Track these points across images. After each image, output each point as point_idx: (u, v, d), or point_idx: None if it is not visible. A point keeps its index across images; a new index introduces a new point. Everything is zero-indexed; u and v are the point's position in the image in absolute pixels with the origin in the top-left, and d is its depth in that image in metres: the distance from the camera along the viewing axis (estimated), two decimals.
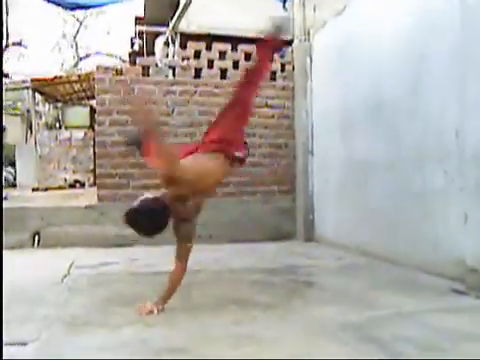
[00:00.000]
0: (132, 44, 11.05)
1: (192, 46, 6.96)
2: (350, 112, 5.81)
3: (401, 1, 4.83)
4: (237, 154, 3.58)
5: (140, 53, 8.55)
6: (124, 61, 16.28)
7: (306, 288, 4.09)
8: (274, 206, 6.98)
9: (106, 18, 29.18)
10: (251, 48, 7.07)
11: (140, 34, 9.39)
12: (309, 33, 6.95)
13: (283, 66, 7.22)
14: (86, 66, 21.07)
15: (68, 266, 4.91)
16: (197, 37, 7.16)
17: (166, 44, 8.25)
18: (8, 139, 13.80)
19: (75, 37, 24.76)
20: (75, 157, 12.54)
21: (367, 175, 5.41)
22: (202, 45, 6.98)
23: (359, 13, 5.60)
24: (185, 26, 7.39)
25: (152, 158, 3.49)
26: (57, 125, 14.53)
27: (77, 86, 12.36)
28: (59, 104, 14.30)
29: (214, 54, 6.99)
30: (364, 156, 5.46)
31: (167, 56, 7.90)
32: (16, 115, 14.94)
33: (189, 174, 3.16)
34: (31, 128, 13.27)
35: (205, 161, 3.40)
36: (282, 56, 7.22)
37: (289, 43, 7.26)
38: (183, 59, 6.91)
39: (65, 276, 4.48)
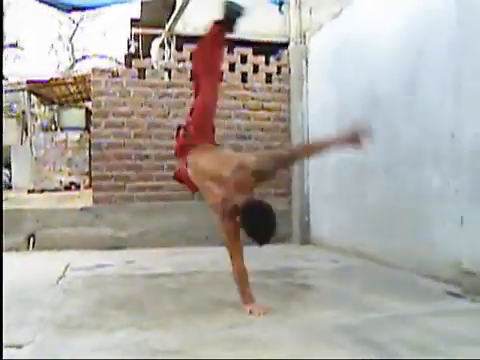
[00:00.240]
0: (128, 46, 11.04)
1: (188, 48, 6.96)
2: (346, 115, 5.81)
3: (399, 2, 4.83)
4: None
5: (136, 55, 8.54)
6: (120, 63, 16.27)
7: (302, 291, 4.09)
8: None
9: (102, 20, 29.18)
10: (247, 50, 7.09)
11: (136, 36, 9.38)
12: (305, 36, 6.97)
13: (279, 69, 7.23)
14: (82, 68, 21.05)
15: (63, 268, 4.90)
16: (193, 39, 7.13)
17: (162, 46, 8.23)
18: (3, 141, 13.74)
19: (71, 39, 24.71)
20: (71, 159, 12.49)
21: (363, 178, 5.42)
22: None
23: (357, 15, 5.60)
24: (181, 28, 7.37)
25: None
26: (53, 127, 14.49)
27: (73, 88, 12.34)
28: (55, 106, 14.27)
29: None
30: (360, 158, 5.45)
31: (163, 58, 7.88)
32: (12, 117, 14.89)
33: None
34: (27, 130, 13.23)
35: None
36: (278, 59, 7.23)
37: (285, 46, 7.27)
38: (179, 61, 6.90)
39: (60, 278, 4.47)
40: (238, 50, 7.08)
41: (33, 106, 14.37)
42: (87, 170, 11.70)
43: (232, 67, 7.04)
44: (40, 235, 6.33)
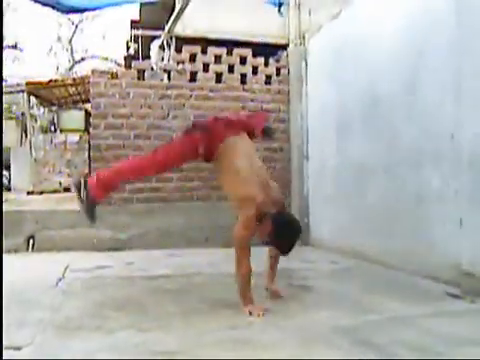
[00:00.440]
0: (127, 48, 11.03)
1: (187, 50, 6.97)
2: (345, 116, 5.82)
3: (398, 3, 4.84)
4: None
5: (135, 57, 8.54)
6: (119, 65, 16.27)
7: (302, 292, 4.09)
8: None
9: (102, 21, 29.21)
10: (246, 52, 7.09)
11: (135, 38, 9.38)
12: (304, 37, 6.97)
13: (278, 70, 7.23)
14: (81, 70, 21.05)
15: (63, 270, 4.89)
16: (192, 41, 7.15)
17: (161, 48, 8.23)
18: (3, 142, 13.74)
19: (70, 40, 24.71)
20: (70, 160, 12.50)
21: (362, 179, 5.42)
22: (197, 49, 6.98)
23: (356, 16, 5.61)
24: (180, 30, 7.38)
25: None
26: (52, 128, 14.49)
27: (72, 89, 12.32)
28: (54, 107, 14.26)
29: (209, 58, 7.00)
30: (359, 159, 5.47)
31: (162, 60, 7.88)
32: (11, 118, 14.89)
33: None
34: (26, 131, 13.23)
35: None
36: (277, 60, 7.23)
37: (285, 47, 7.28)
38: (178, 63, 6.91)
39: (60, 280, 4.46)
40: (237, 51, 7.08)
41: (32, 108, 14.37)
42: (87, 171, 11.70)
43: (231, 68, 7.04)
44: (39, 236, 6.32)
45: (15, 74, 16.21)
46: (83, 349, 2.62)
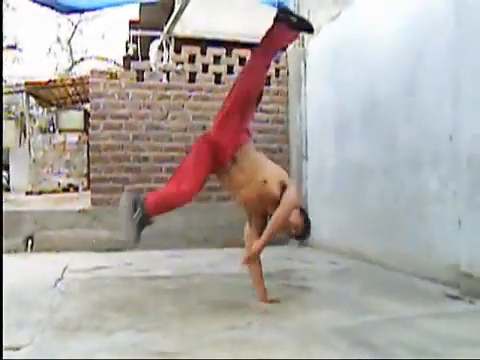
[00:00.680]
0: (126, 48, 11.04)
1: (186, 50, 6.97)
2: (344, 116, 5.83)
3: (398, 3, 4.85)
4: None
5: (134, 57, 8.55)
6: (118, 65, 16.27)
7: (300, 293, 4.09)
8: None
9: (101, 22, 29.24)
10: (245, 53, 7.09)
11: (134, 38, 9.39)
12: (303, 38, 6.98)
13: (278, 71, 7.24)
14: (80, 70, 21.06)
15: (61, 270, 4.89)
16: (192, 41, 7.16)
17: (160, 48, 8.24)
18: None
19: (70, 41, 24.71)
20: (69, 161, 12.49)
21: (361, 179, 5.42)
22: (197, 49, 6.99)
23: (355, 17, 5.61)
24: (180, 30, 7.39)
25: None
26: (51, 129, 14.50)
27: (71, 90, 12.34)
28: (53, 108, 14.27)
29: (209, 58, 7.00)
30: (358, 160, 5.47)
31: (162, 60, 7.90)
32: (10, 119, 14.89)
33: None
34: (25, 132, 13.23)
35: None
36: (276, 61, 7.24)
37: (283, 48, 7.28)
38: (177, 63, 6.91)
39: (58, 280, 4.46)
40: (236, 52, 7.09)
41: (31, 108, 14.37)
42: (85, 172, 11.71)
43: (230, 69, 7.05)
44: (38, 237, 6.32)
45: (14, 74, 16.22)
46: (82, 349, 2.61)
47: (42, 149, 12.60)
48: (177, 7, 7.14)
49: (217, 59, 7.05)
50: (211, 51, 7.03)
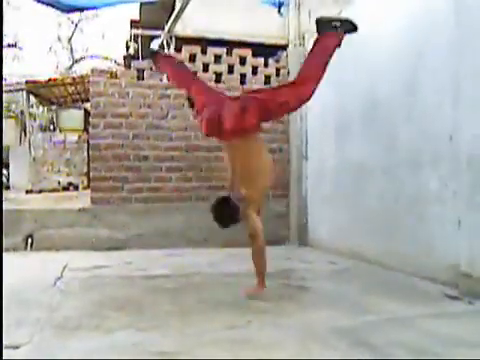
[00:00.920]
0: (127, 47, 11.03)
1: (187, 50, 6.97)
2: (345, 116, 5.83)
3: (399, 3, 4.84)
4: None
5: (135, 56, 8.54)
6: (119, 64, 16.26)
7: (300, 293, 4.09)
8: (268, 210, 6.94)
9: (101, 21, 29.22)
10: (246, 52, 7.09)
11: (135, 37, 9.38)
12: (304, 38, 6.97)
13: (278, 70, 7.24)
14: (81, 69, 21.05)
15: (61, 269, 4.90)
16: (192, 41, 7.15)
17: (161, 48, 8.23)
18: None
19: (70, 40, 24.69)
20: (69, 160, 12.50)
21: (361, 179, 5.42)
22: (197, 49, 6.99)
23: (356, 17, 5.59)
24: (180, 29, 7.37)
25: None
26: (51, 127, 14.49)
27: (72, 89, 12.32)
28: (53, 106, 14.26)
29: (209, 58, 7.00)
30: (358, 160, 5.47)
31: None
32: (10, 117, 14.88)
33: None
34: (25, 130, 13.22)
35: None
36: (277, 60, 7.24)
37: (284, 47, 7.28)
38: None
39: (58, 279, 4.46)
40: (237, 52, 7.08)
41: (32, 106, 14.37)
42: (85, 171, 11.71)
43: (231, 69, 7.05)
44: (38, 236, 6.33)
45: (15, 73, 16.21)
46: (81, 348, 2.62)
47: (42, 148, 12.61)
48: (178, 6, 7.12)
49: (218, 58, 7.04)
50: (212, 50, 7.02)
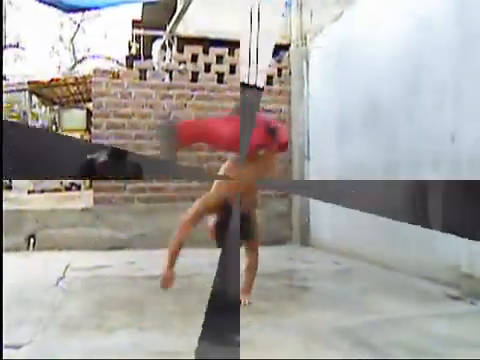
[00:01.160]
0: (129, 47, 11.05)
1: (189, 50, 6.97)
2: (346, 116, 5.83)
3: (399, 4, 4.84)
4: None
5: (137, 56, 8.56)
6: (121, 64, 16.28)
7: (301, 293, 4.10)
8: (270, 210, 6.98)
9: (103, 21, 29.20)
10: None
11: (137, 37, 9.39)
12: (306, 38, 6.97)
13: (280, 71, 7.24)
14: (83, 69, 21.05)
15: (63, 269, 4.90)
16: (194, 41, 7.16)
17: (163, 48, 8.25)
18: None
19: (72, 40, 24.71)
20: None
21: (363, 179, 5.42)
22: (199, 49, 7.00)
23: (357, 17, 5.61)
24: (182, 30, 7.39)
25: None
26: (54, 128, 14.49)
27: (74, 89, 12.34)
28: (56, 107, 14.27)
29: (211, 58, 7.01)
30: (360, 160, 5.47)
31: (164, 60, 7.90)
32: (12, 117, 14.90)
33: None
34: None
35: None
36: (279, 61, 7.24)
37: (286, 48, 7.28)
38: (180, 63, 6.91)
39: (60, 279, 4.47)
40: (238, 52, 7.08)
41: (34, 107, 14.38)
42: None
43: (233, 69, 7.05)
44: (40, 236, 6.33)
45: (17, 73, 16.22)
46: (83, 348, 2.62)
47: None
48: (180, 7, 7.15)
49: (219, 59, 7.05)
50: (213, 51, 7.03)
